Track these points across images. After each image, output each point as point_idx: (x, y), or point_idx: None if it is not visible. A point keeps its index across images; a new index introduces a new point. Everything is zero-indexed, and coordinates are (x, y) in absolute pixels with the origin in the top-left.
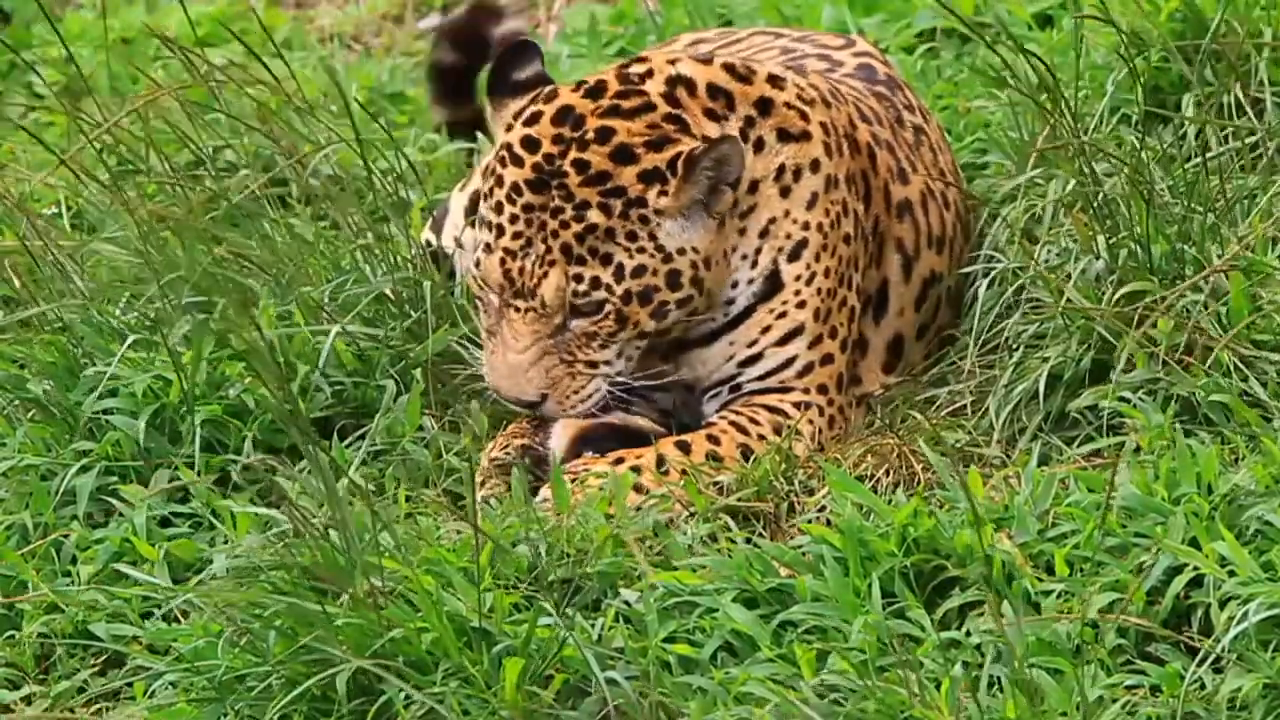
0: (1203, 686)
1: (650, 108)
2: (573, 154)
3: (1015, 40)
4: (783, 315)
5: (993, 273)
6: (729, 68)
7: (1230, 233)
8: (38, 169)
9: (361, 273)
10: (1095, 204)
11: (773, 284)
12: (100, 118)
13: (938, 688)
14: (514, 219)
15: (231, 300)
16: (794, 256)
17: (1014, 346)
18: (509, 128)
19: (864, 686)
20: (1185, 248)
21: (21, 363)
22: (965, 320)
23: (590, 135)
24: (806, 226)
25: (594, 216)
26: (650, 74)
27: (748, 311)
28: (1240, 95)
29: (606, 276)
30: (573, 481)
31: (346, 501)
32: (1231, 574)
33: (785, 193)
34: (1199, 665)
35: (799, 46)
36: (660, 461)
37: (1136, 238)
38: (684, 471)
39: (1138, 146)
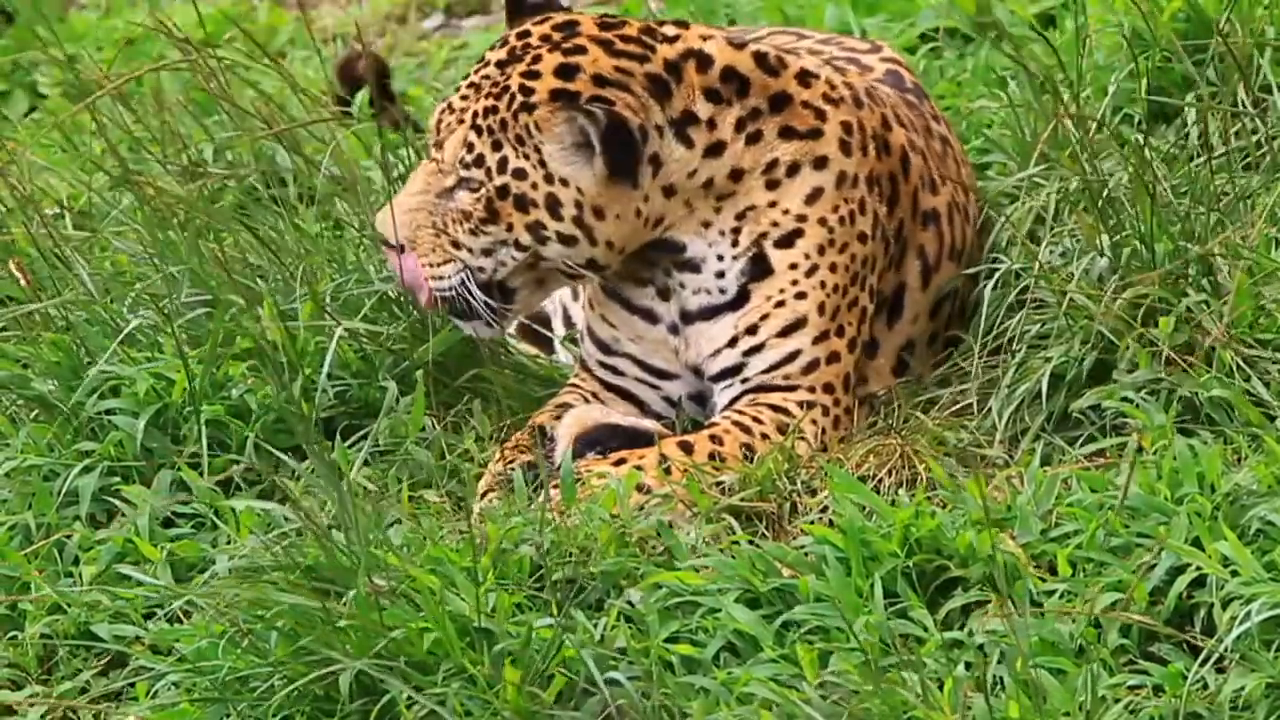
0: (1205, 686)
1: (641, 59)
2: (543, 51)
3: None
4: (782, 304)
5: (996, 273)
6: (760, 56)
7: (1232, 230)
8: (39, 170)
9: (364, 272)
10: (1100, 202)
11: (760, 267)
12: (104, 117)
13: (940, 688)
14: (470, 85)
15: (238, 298)
16: (785, 244)
17: (1017, 347)
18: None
19: (867, 687)
20: (1189, 246)
21: (25, 362)
22: (969, 321)
23: (568, 45)
24: (803, 219)
25: (502, 102)
26: (673, 39)
27: (743, 292)
28: (1243, 95)
29: (490, 159)
30: (575, 482)
31: (350, 500)
32: (1234, 574)
33: (773, 185)
34: (1202, 665)
35: (825, 49)
36: (663, 461)
37: (1140, 236)
38: (686, 471)
39: (1141, 143)
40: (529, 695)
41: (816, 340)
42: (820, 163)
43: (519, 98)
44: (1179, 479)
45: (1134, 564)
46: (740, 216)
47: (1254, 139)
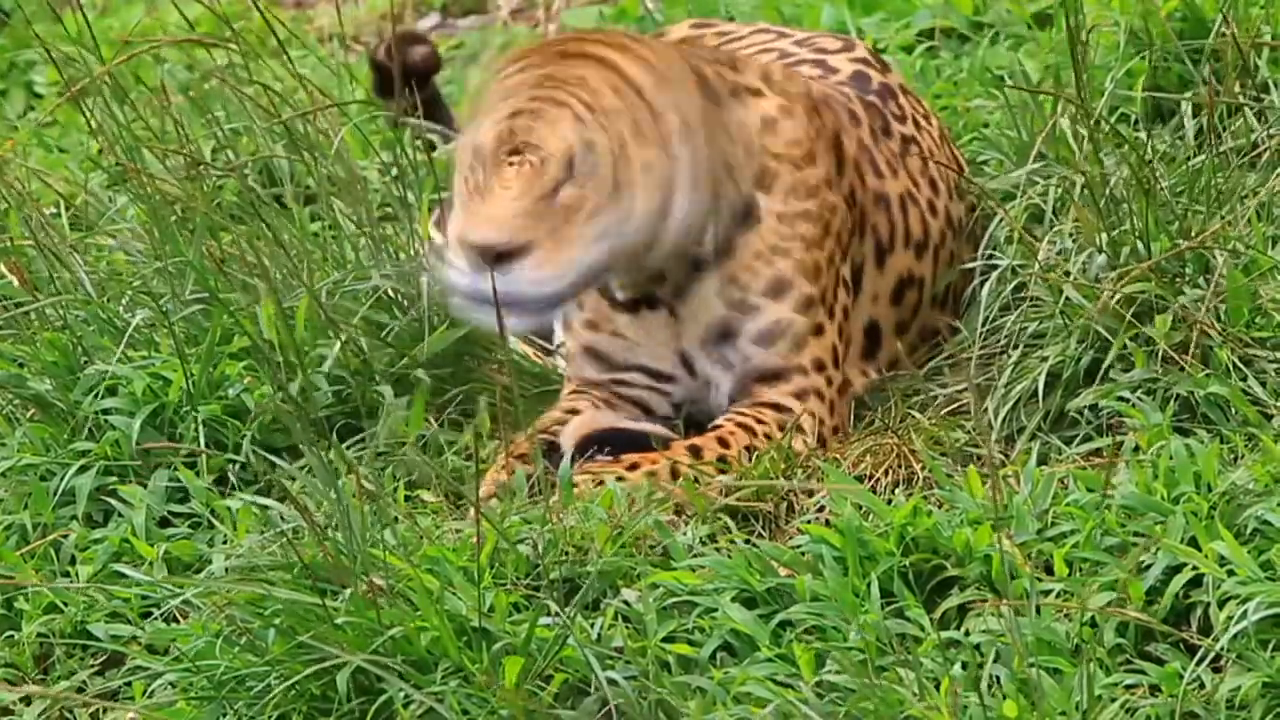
0: (1202, 686)
1: None
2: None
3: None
4: (768, 260)
5: (992, 271)
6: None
7: (1225, 224)
8: (36, 170)
9: (363, 269)
10: (1102, 200)
11: (747, 213)
12: (97, 118)
13: (937, 687)
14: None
15: (237, 296)
16: (768, 189)
17: (1014, 345)
18: None
19: (863, 686)
20: (1186, 243)
21: (21, 361)
22: (965, 318)
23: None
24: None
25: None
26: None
27: (728, 245)
28: (1241, 94)
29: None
30: (596, 485)
31: (348, 499)
32: (1230, 573)
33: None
34: (1198, 664)
35: (798, 50)
36: (673, 466)
37: (1138, 233)
38: (696, 479)
39: (1143, 141)
40: (526, 694)
41: (802, 308)
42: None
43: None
44: (1175, 478)
45: (1130, 563)
46: None
47: (1251, 138)
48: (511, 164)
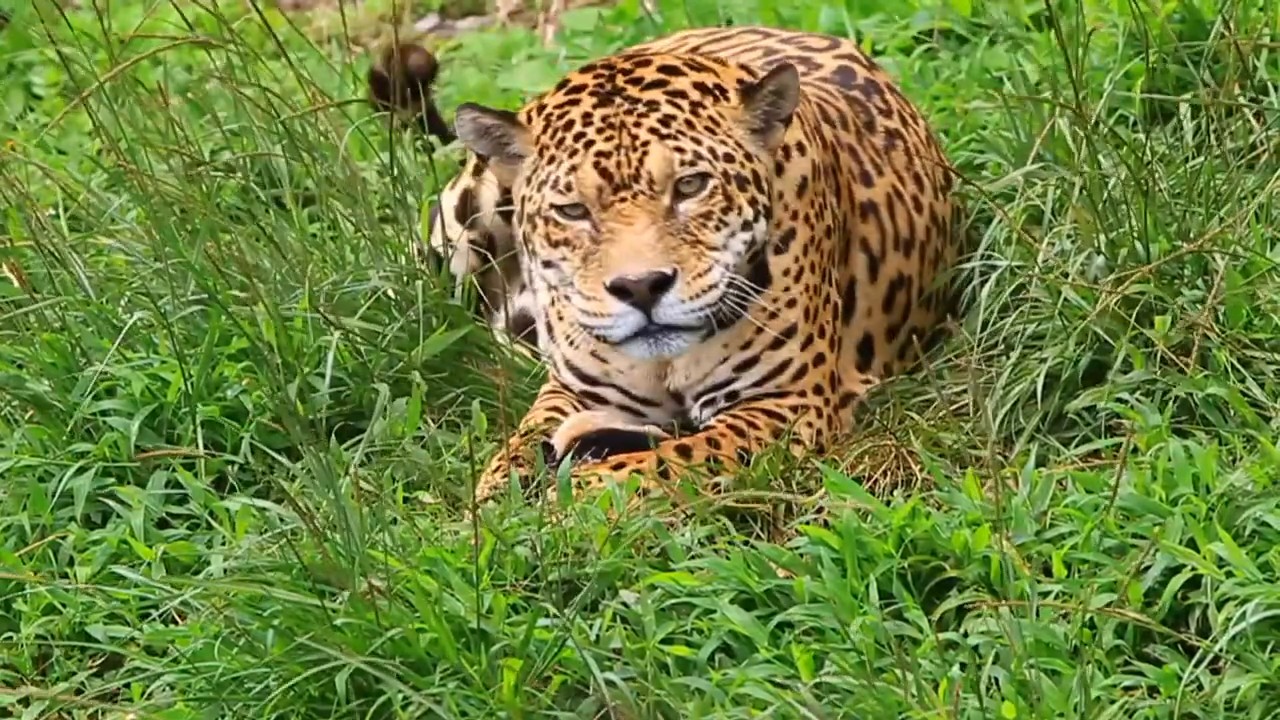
0: (1200, 687)
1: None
2: (621, 80)
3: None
4: (774, 315)
5: (990, 272)
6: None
7: (1224, 226)
8: (36, 172)
9: (361, 270)
10: (1102, 203)
11: (759, 277)
12: (99, 118)
13: (936, 689)
14: (599, 130)
15: (235, 297)
16: (781, 249)
17: (1013, 345)
18: (540, 108)
19: (862, 688)
20: (1184, 245)
21: (20, 362)
22: (965, 320)
23: (630, 64)
24: (795, 216)
25: (667, 109)
26: (647, 62)
27: (736, 312)
28: (1240, 95)
29: (704, 150)
30: (577, 486)
31: (346, 500)
32: (1229, 574)
33: (779, 169)
34: (1196, 666)
35: (783, 48)
36: (660, 465)
37: (1136, 235)
38: (690, 480)
39: (1143, 142)
40: (525, 695)
41: (804, 346)
42: (800, 149)
43: (681, 101)
44: (1174, 480)
45: (1129, 565)
46: None
47: (1250, 139)
48: (623, 199)
